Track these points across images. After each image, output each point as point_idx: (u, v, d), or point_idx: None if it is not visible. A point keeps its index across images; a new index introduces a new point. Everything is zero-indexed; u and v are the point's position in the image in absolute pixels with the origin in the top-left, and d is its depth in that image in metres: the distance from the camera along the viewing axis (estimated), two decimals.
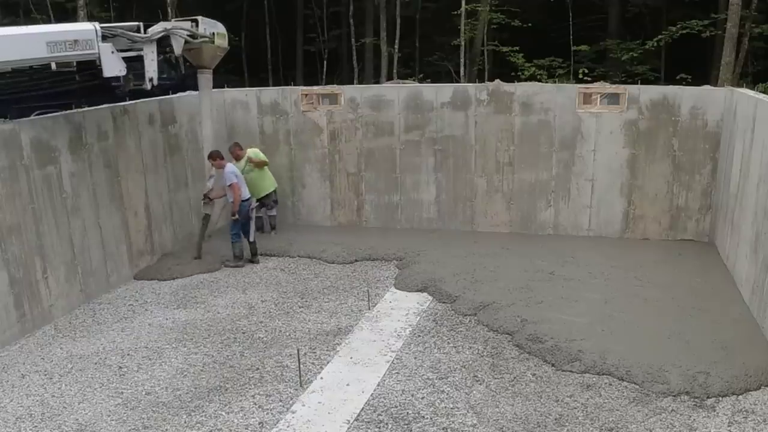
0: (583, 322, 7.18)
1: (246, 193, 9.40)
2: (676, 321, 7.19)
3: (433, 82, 16.76)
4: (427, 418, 5.63)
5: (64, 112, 8.03)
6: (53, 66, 9.63)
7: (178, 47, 8.26)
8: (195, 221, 10.49)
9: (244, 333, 7.39)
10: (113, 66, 7.36)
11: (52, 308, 7.74)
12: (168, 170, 9.79)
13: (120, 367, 6.64)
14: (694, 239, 9.94)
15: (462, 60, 19.15)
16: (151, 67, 7.95)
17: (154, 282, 8.95)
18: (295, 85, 12.12)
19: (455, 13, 18.59)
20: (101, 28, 7.31)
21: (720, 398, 5.78)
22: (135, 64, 7.90)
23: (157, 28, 8.00)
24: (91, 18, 18.44)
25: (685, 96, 9.63)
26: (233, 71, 21.57)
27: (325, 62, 22.90)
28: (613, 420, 5.53)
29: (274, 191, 10.64)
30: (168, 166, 9.79)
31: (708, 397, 5.79)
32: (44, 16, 19.85)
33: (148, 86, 8.02)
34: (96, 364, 6.73)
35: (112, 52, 7.31)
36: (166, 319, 7.81)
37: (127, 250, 9.01)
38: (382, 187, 11.01)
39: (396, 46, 20.44)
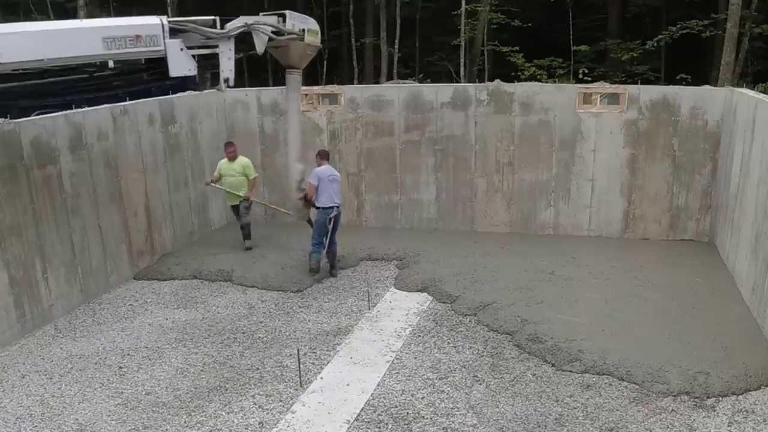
0: (583, 322, 7.18)
1: (326, 202, 8.61)
2: (676, 321, 7.19)
3: (433, 82, 16.75)
4: (427, 418, 5.63)
5: (64, 112, 8.02)
6: (111, 64, 8.87)
7: (260, 45, 7.48)
8: (195, 221, 10.53)
9: (244, 333, 7.39)
10: (181, 65, 6.74)
11: (52, 308, 7.74)
12: (168, 170, 9.79)
13: (120, 367, 6.64)
14: (694, 239, 9.94)
15: (462, 60, 19.15)
16: (228, 67, 7.26)
17: (154, 282, 8.95)
18: None
19: (455, 13, 18.59)
20: (170, 22, 6.72)
21: (720, 398, 5.78)
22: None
23: (237, 23, 7.27)
24: (90, 18, 18.42)
25: (685, 96, 9.63)
26: None
27: (325, 62, 22.89)
28: (613, 420, 5.53)
29: (246, 199, 9.81)
30: (168, 166, 9.79)
31: (708, 397, 5.79)
32: (44, 16, 19.85)
33: (223, 88, 7.45)
34: (96, 364, 6.73)
35: (181, 50, 6.67)
36: (166, 319, 7.81)
37: (127, 250, 9.01)
38: (382, 187, 11.01)
39: (396, 46, 20.44)
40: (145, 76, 7.59)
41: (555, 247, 9.74)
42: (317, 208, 8.69)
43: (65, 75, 7.32)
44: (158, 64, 6.93)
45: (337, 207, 8.73)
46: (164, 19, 6.63)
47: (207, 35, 7.09)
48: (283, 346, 7.03)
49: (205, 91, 7.79)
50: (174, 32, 6.77)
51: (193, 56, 7.08)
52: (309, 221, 9.07)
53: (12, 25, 6.20)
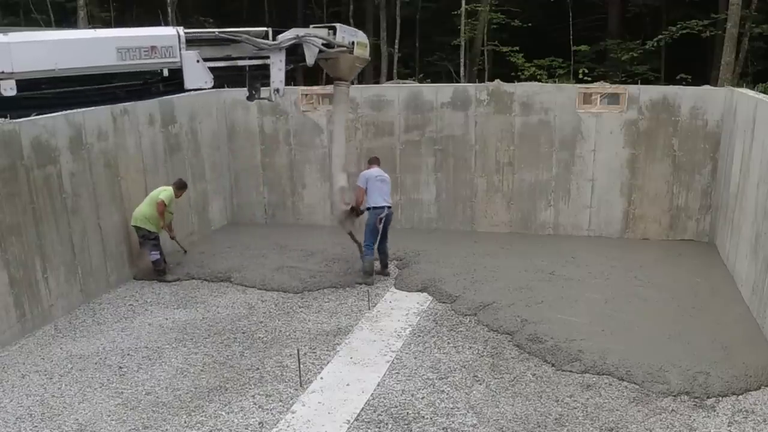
0: (583, 322, 7.19)
1: (378, 201, 8.62)
2: (676, 321, 7.20)
3: (433, 82, 16.76)
4: (427, 418, 5.63)
5: (64, 112, 8.01)
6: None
7: (311, 57, 7.64)
8: (195, 221, 10.53)
9: (244, 333, 7.39)
10: (198, 77, 6.64)
11: (52, 308, 7.74)
12: (168, 170, 9.78)
13: (120, 367, 6.64)
14: (694, 239, 9.94)
15: (462, 60, 19.15)
16: (278, 78, 7.39)
17: (154, 282, 8.95)
18: (295, 85, 12.11)
19: (455, 13, 18.59)
20: (223, 32, 6.76)
21: (720, 398, 5.79)
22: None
23: (289, 35, 7.38)
24: (91, 18, 18.43)
25: (685, 96, 9.64)
26: None
27: None
28: (613, 420, 5.53)
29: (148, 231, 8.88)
30: (168, 166, 9.78)
31: (708, 397, 5.79)
32: (44, 16, 19.84)
33: (273, 98, 7.59)
34: (96, 364, 6.73)
35: (198, 61, 6.59)
36: (166, 319, 7.81)
37: (127, 250, 9.01)
38: None
39: (396, 46, 20.45)
40: (161, 87, 7.54)
41: (555, 247, 9.74)
42: (368, 209, 8.70)
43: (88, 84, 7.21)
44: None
45: (389, 207, 8.74)
46: (180, 30, 6.57)
47: (260, 46, 7.15)
48: (283, 346, 7.03)
49: (255, 100, 7.95)
50: (226, 42, 6.84)
51: (245, 67, 7.14)
52: (351, 234, 8.95)
53: (23, 33, 6.16)
